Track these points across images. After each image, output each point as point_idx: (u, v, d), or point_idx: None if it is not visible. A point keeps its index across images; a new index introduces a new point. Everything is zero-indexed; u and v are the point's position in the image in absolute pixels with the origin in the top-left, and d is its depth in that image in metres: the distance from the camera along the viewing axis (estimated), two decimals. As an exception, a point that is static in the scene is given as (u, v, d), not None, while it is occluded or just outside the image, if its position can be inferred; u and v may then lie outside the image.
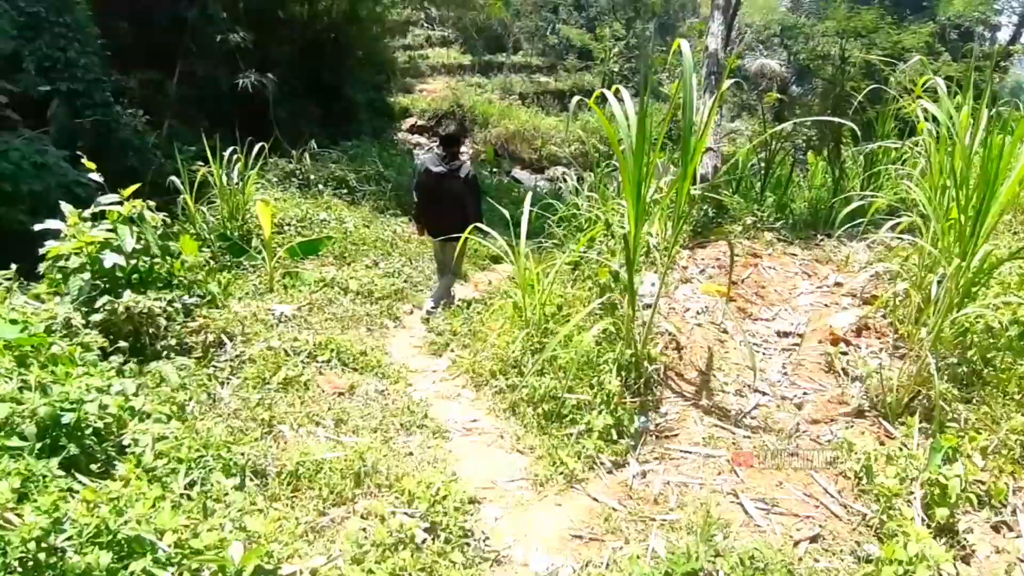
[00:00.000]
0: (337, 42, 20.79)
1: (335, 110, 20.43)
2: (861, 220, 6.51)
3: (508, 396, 5.47)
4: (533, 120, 31.61)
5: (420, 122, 30.46)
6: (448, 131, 8.46)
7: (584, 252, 6.69)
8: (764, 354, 5.64)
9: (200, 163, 10.80)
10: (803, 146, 14.16)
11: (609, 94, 5.05)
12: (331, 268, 9.72)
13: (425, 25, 36.90)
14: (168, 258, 6.52)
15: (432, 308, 8.13)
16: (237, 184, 10.85)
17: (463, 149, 29.39)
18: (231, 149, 11.22)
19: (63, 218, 6.14)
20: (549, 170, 30.03)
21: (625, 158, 4.74)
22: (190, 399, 4.94)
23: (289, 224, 11.32)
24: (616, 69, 35.05)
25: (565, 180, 14.25)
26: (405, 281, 9.53)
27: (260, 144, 11.75)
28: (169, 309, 6.00)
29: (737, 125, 35.36)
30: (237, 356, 5.96)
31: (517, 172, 29.29)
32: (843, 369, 5.29)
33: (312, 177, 13.94)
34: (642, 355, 5.06)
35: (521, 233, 6.27)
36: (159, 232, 6.52)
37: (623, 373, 4.98)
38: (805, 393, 5.12)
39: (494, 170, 24.71)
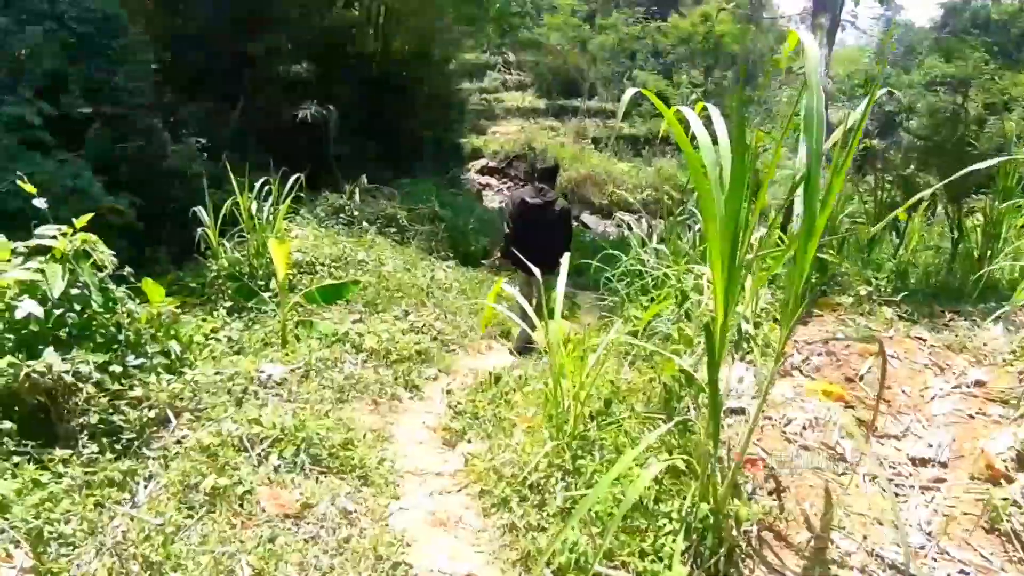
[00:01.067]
0: (405, 78, 19.50)
1: (399, 147, 19.06)
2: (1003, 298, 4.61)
3: (522, 542, 3.68)
4: (605, 164, 29.98)
5: (491, 163, 29.13)
6: (545, 166, 8.85)
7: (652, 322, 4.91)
8: (898, 495, 3.73)
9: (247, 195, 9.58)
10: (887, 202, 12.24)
11: (690, 112, 3.27)
12: (356, 316, 8.12)
13: (502, 69, 35.72)
14: (118, 308, 4.95)
15: (522, 344, 7.83)
16: (268, 219, 9.45)
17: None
18: (262, 180, 9.80)
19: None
20: (617, 215, 28.39)
21: (712, 200, 2.93)
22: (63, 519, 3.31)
23: (322, 264, 9.79)
24: (692, 117, 33.25)
25: (630, 227, 12.50)
26: (434, 339, 7.81)
27: (296, 176, 10.32)
28: (101, 376, 4.42)
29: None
30: (179, 442, 4.33)
31: (586, 217, 27.68)
32: (1013, 531, 3.38)
33: (358, 214, 12.45)
34: (724, 510, 3.19)
35: (557, 298, 4.51)
36: (107, 275, 4.96)
37: (693, 536, 3.16)
38: (964, 574, 3.22)
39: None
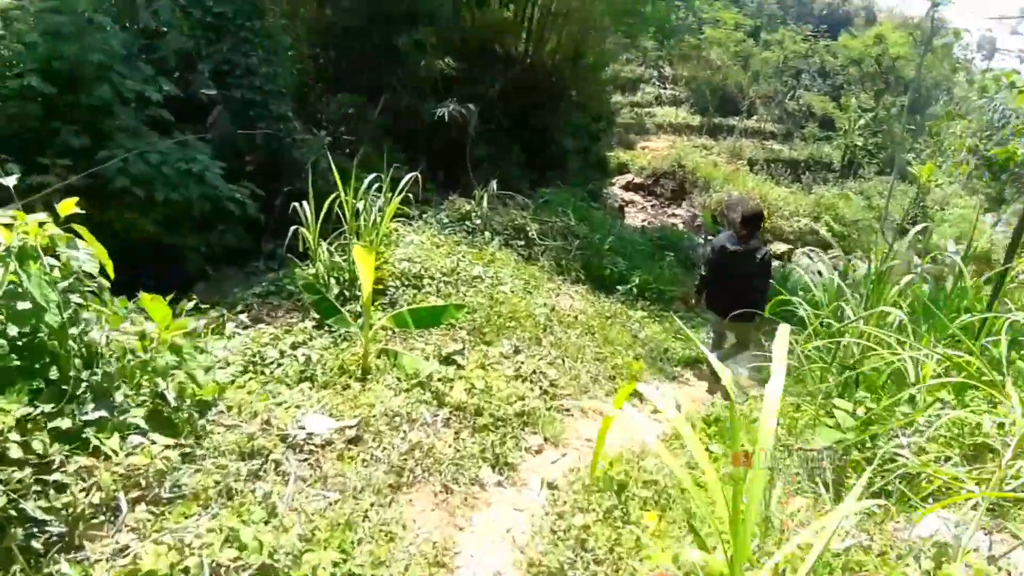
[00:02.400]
0: (554, 84, 17.80)
1: (542, 155, 17.38)
2: None
3: None
4: (760, 188, 27.28)
5: (637, 179, 27.08)
6: (751, 208, 7.94)
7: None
8: None
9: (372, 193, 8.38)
10: None
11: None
12: (454, 347, 6.43)
13: (657, 83, 33.56)
14: (87, 330, 3.40)
15: (747, 375, 7.10)
16: (375, 220, 7.97)
17: (698, 213, 25.87)
18: (372, 176, 8.30)
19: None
20: (772, 244, 25.68)
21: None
22: None
23: (431, 277, 8.19)
24: (860, 143, 30.06)
25: (811, 262, 10.31)
26: (544, 392, 5.96)
27: (412, 175, 8.78)
28: (26, 436, 2.88)
29: (994, 223, 29.18)
30: (120, 552, 2.72)
31: (733, 245, 25.09)
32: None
33: (481, 222, 10.81)
34: None
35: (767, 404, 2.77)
36: (74, 281, 3.42)
37: None
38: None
39: (708, 237, 20.71)
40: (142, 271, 9.54)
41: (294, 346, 6.24)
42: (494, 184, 11.71)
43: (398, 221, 10.10)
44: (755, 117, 33.11)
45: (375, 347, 6.10)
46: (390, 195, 8.19)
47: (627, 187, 26.48)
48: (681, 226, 22.94)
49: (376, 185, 8.28)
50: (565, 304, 8.25)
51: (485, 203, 11.11)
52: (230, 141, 11.02)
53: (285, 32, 12.03)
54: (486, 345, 6.93)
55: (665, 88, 33.44)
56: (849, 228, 25.81)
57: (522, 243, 10.78)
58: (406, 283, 8.02)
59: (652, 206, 26.17)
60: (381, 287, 7.80)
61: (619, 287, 10.74)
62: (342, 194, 7.68)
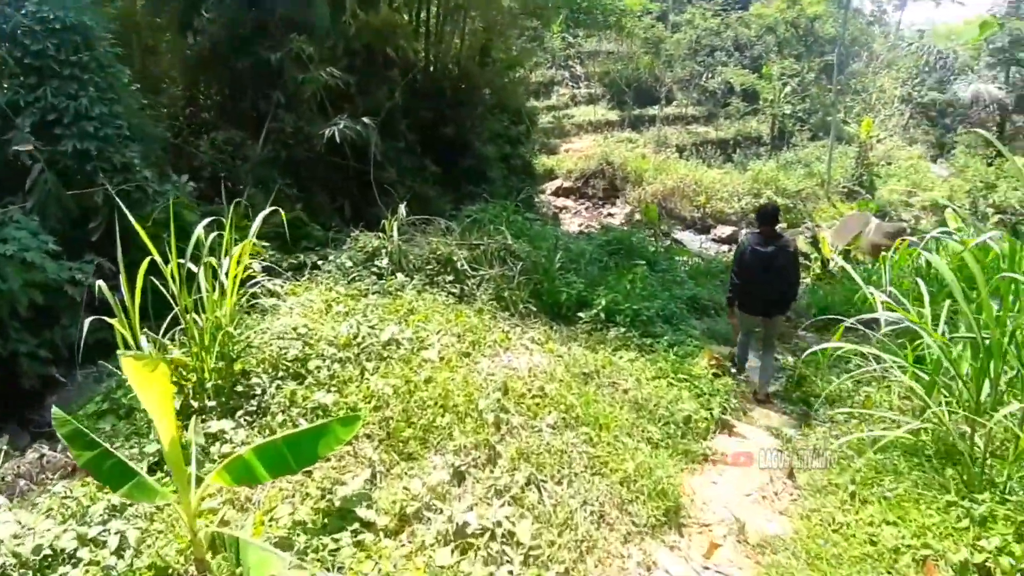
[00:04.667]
0: (461, 87, 15.02)
1: (460, 168, 14.57)
2: None
3: None
4: (693, 174, 25.02)
5: (566, 183, 24.54)
6: (763, 208, 7.15)
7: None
8: None
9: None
10: None
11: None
12: (353, 485, 3.59)
13: (570, 84, 31.06)
14: None
15: (767, 390, 6.97)
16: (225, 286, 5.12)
17: (619, 206, 23.69)
18: (207, 220, 5.38)
19: None
20: (716, 229, 23.38)
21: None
22: None
23: (320, 356, 5.33)
24: (788, 111, 27.97)
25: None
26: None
27: (272, 209, 5.91)
28: None
29: (939, 169, 27.40)
30: None
31: (679, 233, 22.67)
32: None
33: (390, 262, 7.94)
34: None
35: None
36: None
37: None
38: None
39: (650, 232, 18.07)
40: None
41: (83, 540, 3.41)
42: (403, 209, 8.83)
43: (279, 277, 7.26)
44: (675, 103, 30.90)
45: (206, 531, 3.24)
46: (230, 241, 5.28)
47: (557, 192, 23.94)
48: (621, 225, 20.33)
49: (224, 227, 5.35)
50: (522, 364, 5.38)
51: (396, 235, 8.22)
52: (60, 207, 8.03)
53: (143, 67, 9.02)
54: (407, 462, 4.12)
55: (579, 87, 30.97)
56: (793, 199, 23.70)
57: (450, 279, 7.95)
58: (282, 373, 5.14)
59: (586, 209, 23.66)
60: (242, 388, 4.91)
61: (581, 314, 7.98)
62: (172, 258, 4.79)
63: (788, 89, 28.09)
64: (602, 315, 7.88)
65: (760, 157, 27.57)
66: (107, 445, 3.33)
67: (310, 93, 11.88)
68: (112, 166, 8.45)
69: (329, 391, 4.94)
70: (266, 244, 8.31)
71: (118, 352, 3.14)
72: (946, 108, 29.05)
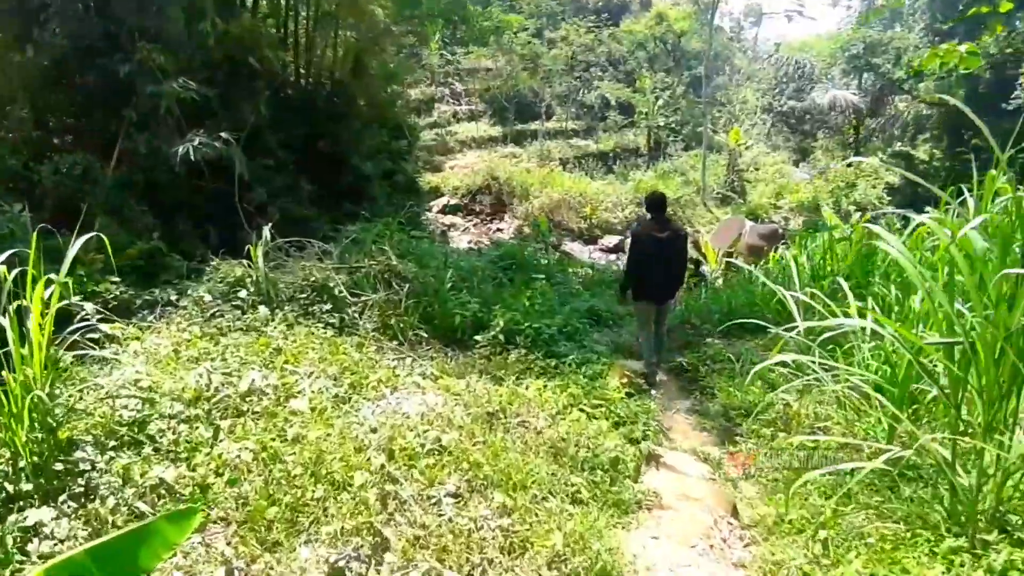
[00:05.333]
0: (335, 101, 13.89)
1: (338, 186, 13.42)
2: None
3: None
4: (578, 186, 24.69)
5: (452, 200, 23.62)
6: (652, 196, 7.34)
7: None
8: None
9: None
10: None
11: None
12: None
13: (450, 101, 30.25)
14: None
15: (654, 366, 7.15)
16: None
17: (507, 221, 23.01)
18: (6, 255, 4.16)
19: None
20: (603, 239, 23.09)
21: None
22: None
23: (163, 416, 4.21)
24: (662, 123, 28.12)
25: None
26: None
27: (89, 236, 4.69)
28: None
29: (801, 173, 28.22)
30: None
31: (567, 245, 22.18)
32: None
33: (255, 291, 6.80)
34: None
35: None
36: None
37: None
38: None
39: (539, 245, 17.34)
40: None
41: None
42: (268, 232, 7.65)
43: (131, 317, 6.08)
44: (555, 117, 30.59)
45: None
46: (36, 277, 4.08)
47: (444, 210, 22.98)
48: (511, 239, 19.59)
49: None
50: (412, 409, 4.40)
51: (261, 262, 7.06)
52: None
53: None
54: (271, 553, 3.11)
55: (460, 104, 30.20)
56: (672, 206, 23.70)
57: (327, 307, 6.87)
58: (115, 442, 3.98)
59: (474, 225, 22.79)
60: (65, 464, 3.73)
61: (478, 337, 7.07)
62: None
63: (661, 102, 28.29)
64: (501, 337, 7.00)
65: (639, 168, 27.64)
66: None
67: (165, 109, 10.50)
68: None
69: (173, 462, 3.84)
70: (116, 280, 7.07)
71: None
72: (804, 115, 30.04)
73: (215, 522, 3.45)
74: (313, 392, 4.60)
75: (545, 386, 5.56)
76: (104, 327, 5.37)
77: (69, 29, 10.55)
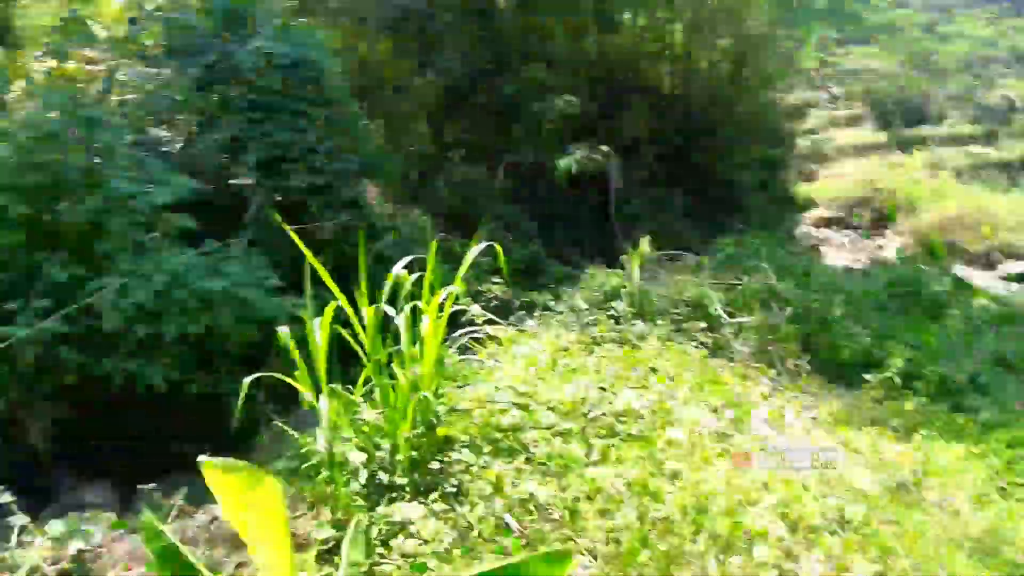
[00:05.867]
0: (711, 110, 13.42)
1: (710, 198, 12.94)
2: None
3: None
4: (976, 201, 21.08)
5: (827, 213, 21.67)
6: None
7: None
8: None
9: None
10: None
11: None
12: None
13: (827, 105, 27.98)
14: None
15: None
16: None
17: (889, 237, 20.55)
18: (402, 262, 4.35)
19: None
20: (1003, 264, 19.36)
21: None
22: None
23: (541, 427, 4.10)
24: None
25: None
26: None
27: (490, 245, 4.75)
28: None
29: None
30: None
31: (960, 269, 18.95)
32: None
33: (628, 304, 6.56)
34: None
35: None
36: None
37: None
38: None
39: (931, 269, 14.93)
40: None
41: None
42: (646, 243, 7.42)
43: (507, 321, 6.24)
44: (947, 121, 26.74)
45: None
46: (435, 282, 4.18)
47: (817, 223, 21.18)
48: (899, 260, 17.30)
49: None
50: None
51: (636, 273, 6.86)
52: (283, 242, 7.61)
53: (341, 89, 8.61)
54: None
55: (838, 108, 27.79)
56: None
57: (701, 326, 6.42)
58: (490, 446, 3.95)
59: (850, 241, 20.60)
60: (441, 463, 3.78)
61: (868, 376, 6.07)
62: (362, 301, 3.86)
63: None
64: (895, 379, 5.94)
65: (1061, 176, 22.95)
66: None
67: (548, 124, 10.98)
68: (340, 201, 8.00)
69: (545, 476, 3.68)
70: (499, 281, 7.47)
71: (199, 458, 2.06)
72: None
73: (581, 553, 3.19)
74: (692, 419, 4.18)
75: (963, 453, 4.49)
76: (488, 329, 5.49)
77: (462, 54, 11.56)
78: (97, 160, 6.86)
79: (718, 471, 3.59)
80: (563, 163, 9.98)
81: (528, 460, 3.78)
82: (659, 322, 6.32)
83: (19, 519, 4.09)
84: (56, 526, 4.36)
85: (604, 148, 10.14)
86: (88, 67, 8.10)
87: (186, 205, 6.99)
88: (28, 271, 6.48)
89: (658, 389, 4.62)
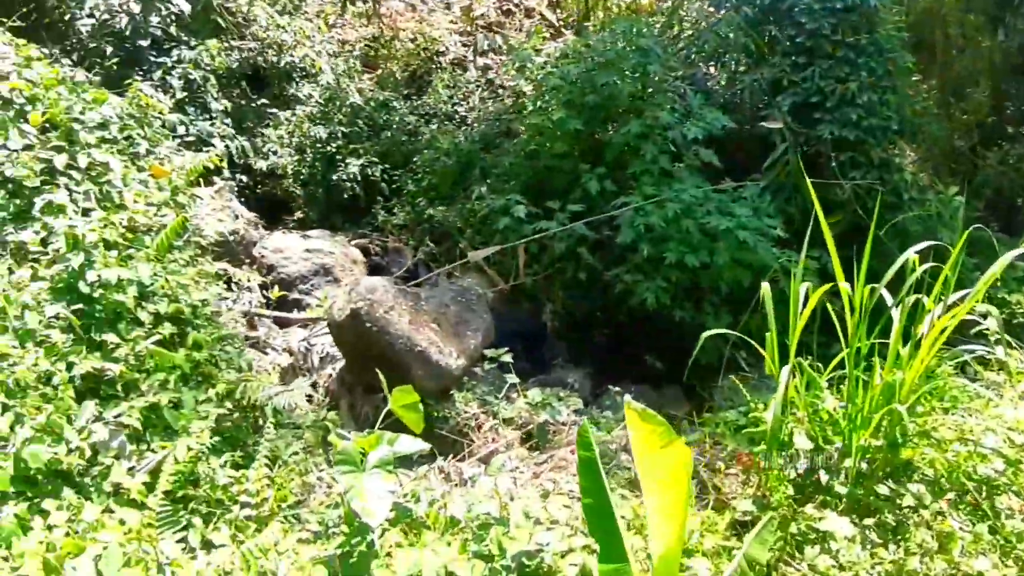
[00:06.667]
0: None
1: None
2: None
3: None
4: None
5: None
6: None
7: None
8: None
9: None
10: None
11: None
12: None
13: None
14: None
15: None
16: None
17: None
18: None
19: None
20: None
21: None
22: None
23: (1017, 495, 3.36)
24: None
25: None
26: None
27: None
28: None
29: None
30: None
31: None
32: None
33: None
34: None
35: None
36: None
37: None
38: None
39: None
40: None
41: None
42: None
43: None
44: None
45: None
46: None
47: None
48: None
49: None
50: None
51: None
52: (795, 194, 7.45)
53: (945, 66, 7.74)
54: None
55: None
56: None
57: None
58: (952, 491, 3.33)
59: None
60: (890, 487, 3.32)
61: None
62: (858, 285, 3.56)
63: None
64: None
65: None
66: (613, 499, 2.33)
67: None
68: (868, 160, 7.43)
69: (1004, 559, 3.00)
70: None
71: (626, 398, 2.16)
72: None
73: None
74: None
75: None
76: (999, 351, 4.52)
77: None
78: (649, 89, 7.47)
79: None
80: None
81: (993, 531, 3.11)
82: None
83: (511, 378, 5.01)
84: (534, 394, 5.24)
85: None
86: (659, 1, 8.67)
87: (715, 141, 7.25)
88: (571, 179, 7.51)
89: None
